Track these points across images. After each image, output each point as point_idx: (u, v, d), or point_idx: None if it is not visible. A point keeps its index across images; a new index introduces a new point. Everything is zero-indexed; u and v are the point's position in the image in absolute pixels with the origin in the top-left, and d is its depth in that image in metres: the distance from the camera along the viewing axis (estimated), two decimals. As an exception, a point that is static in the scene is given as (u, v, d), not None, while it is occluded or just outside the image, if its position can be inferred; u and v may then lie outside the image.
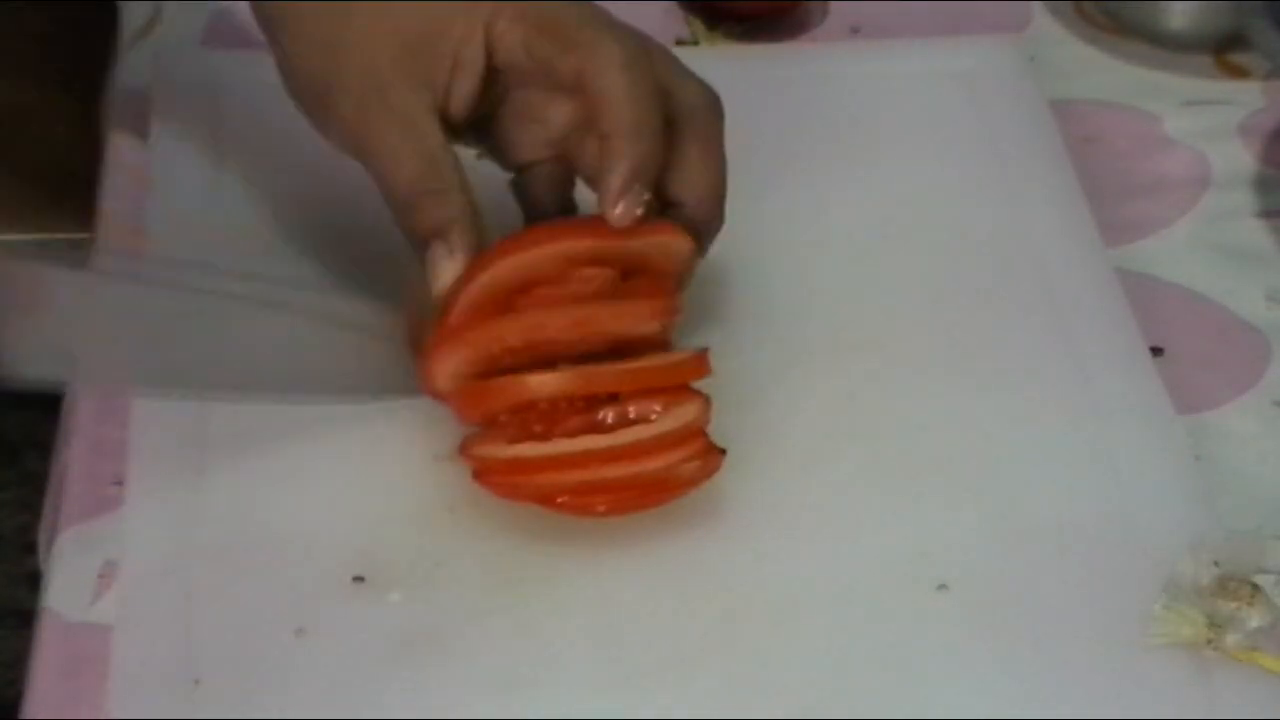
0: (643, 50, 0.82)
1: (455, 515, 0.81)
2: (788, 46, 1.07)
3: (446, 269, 0.81)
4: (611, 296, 0.81)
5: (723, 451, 0.80)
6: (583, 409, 0.79)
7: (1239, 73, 1.07)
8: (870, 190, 0.97)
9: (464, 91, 0.83)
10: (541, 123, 0.84)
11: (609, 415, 0.79)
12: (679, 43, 1.06)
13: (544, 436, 0.79)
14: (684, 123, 0.83)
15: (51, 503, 0.85)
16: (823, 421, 0.85)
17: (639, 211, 0.80)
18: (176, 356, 0.81)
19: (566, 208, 0.85)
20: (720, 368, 0.81)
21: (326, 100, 0.83)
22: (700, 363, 0.81)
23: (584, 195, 0.85)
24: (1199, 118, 1.04)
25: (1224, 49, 1.07)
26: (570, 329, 0.80)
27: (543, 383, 0.79)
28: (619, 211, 0.80)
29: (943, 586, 0.79)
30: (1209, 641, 0.77)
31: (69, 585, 0.79)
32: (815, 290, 0.92)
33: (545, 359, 0.80)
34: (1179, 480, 0.84)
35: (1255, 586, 0.78)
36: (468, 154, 0.85)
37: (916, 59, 1.05)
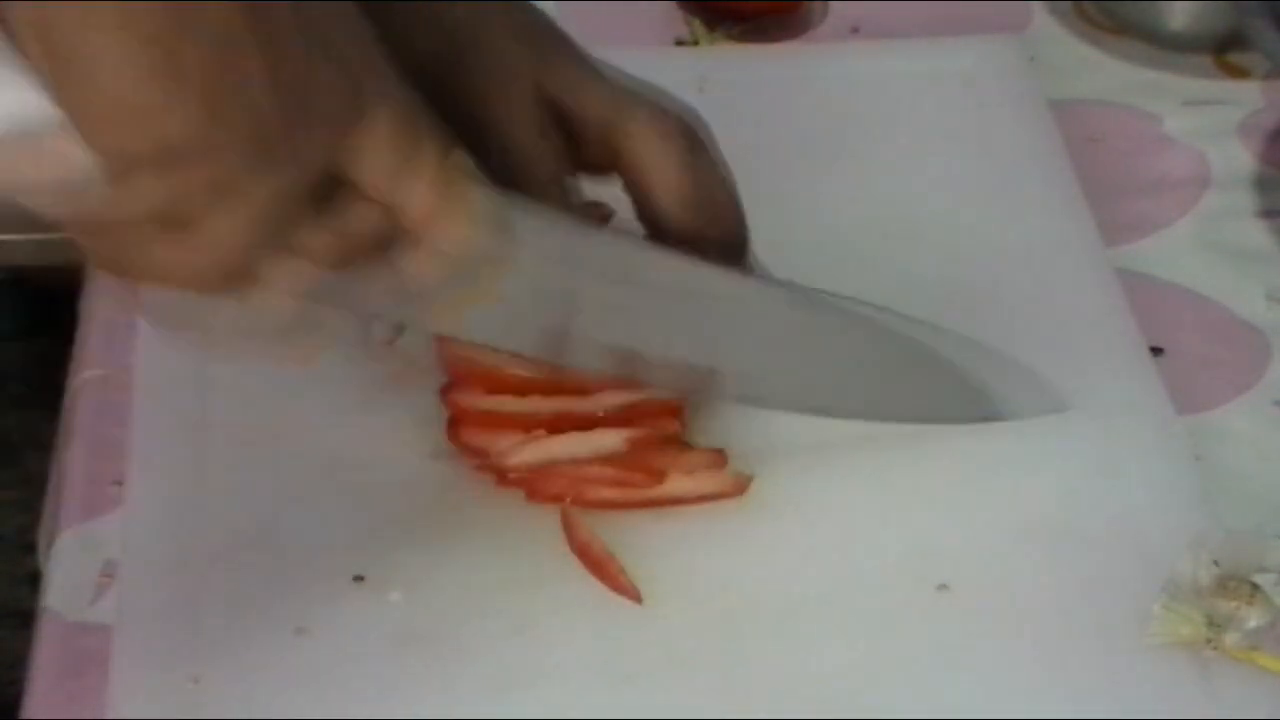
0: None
1: (455, 515, 0.81)
2: (788, 46, 1.07)
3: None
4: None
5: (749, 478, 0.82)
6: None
7: (1239, 73, 1.07)
8: (870, 190, 0.97)
9: None
10: None
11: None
12: (679, 43, 1.06)
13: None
14: (635, 146, 0.80)
15: (51, 503, 0.85)
16: (823, 422, 0.85)
17: None
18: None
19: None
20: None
21: None
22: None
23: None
24: (1199, 118, 1.04)
25: (1224, 49, 1.07)
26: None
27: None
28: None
29: (943, 586, 0.79)
30: (1208, 641, 0.77)
31: (69, 585, 0.79)
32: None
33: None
34: (1179, 480, 0.84)
35: (1255, 586, 0.78)
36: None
37: (916, 59, 1.05)
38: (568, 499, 0.80)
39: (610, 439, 0.81)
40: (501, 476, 0.81)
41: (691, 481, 0.81)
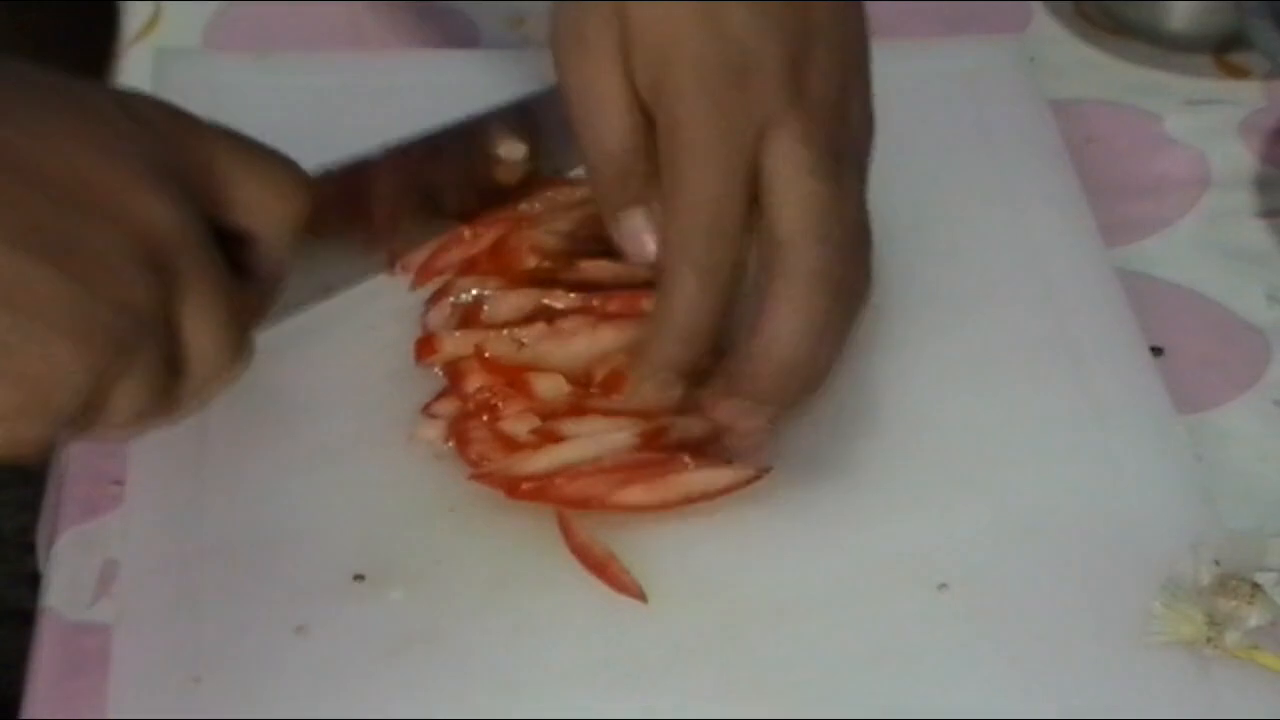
0: None
1: (455, 515, 0.81)
2: (788, 47, 1.07)
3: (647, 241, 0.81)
4: None
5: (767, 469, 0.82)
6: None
7: (1239, 73, 1.07)
8: (869, 190, 0.97)
9: None
10: None
11: None
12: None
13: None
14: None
15: (51, 503, 0.85)
16: (823, 421, 0.85)
17: None
18: None
19: None
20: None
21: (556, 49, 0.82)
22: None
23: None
24: (1199, 117, 1.04)
25: (1224, 49, 1.07)
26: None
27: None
28: None
29: (943, 586, 0.79)
30: (1209, 640, 0.77)
31: (69, 585, 0.79)
32: (815, 290, 0.91)
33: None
34: (1179, 480, 0.84)
35: (1255, 585, 0.78)
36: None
37: (916, 59, 1.04)
38: (588, 503, 0.80)
39: (620, 435, 0.81)
40: (513, 489, 0.81)
41: (713, 472, 0.81)
